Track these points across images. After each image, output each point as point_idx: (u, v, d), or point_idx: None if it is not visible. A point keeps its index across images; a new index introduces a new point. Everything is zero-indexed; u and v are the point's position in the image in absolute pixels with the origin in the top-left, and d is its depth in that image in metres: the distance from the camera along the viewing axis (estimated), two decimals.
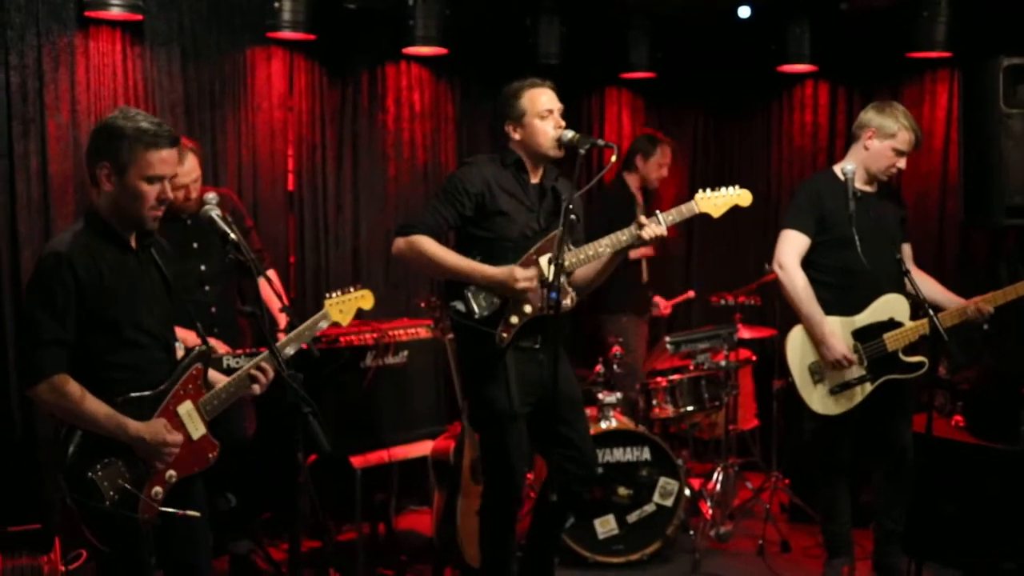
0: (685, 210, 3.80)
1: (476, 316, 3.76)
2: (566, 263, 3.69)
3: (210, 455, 3.07)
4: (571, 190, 3.66)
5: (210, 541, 3.23)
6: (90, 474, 2.81)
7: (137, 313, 2.93)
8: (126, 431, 2.84)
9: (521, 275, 3.69)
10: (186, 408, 3.01)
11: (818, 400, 4.33)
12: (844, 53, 6.30)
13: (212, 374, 3.14)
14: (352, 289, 3.56)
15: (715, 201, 3.83)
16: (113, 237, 2.93)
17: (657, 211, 3.75)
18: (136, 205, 2.89)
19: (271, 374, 3.11)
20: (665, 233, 3.70)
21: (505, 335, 3.75)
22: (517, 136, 3.85)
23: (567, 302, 3.75)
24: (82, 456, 2.83)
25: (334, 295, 3.52)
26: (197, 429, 3.03)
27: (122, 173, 2.86)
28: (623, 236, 3.72)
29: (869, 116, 4.37)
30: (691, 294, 6.36)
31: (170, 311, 3.09)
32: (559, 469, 3.81)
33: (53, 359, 2.81)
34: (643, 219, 3.71)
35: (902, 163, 4.34)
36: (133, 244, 2.98)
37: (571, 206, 3.55)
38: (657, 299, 6.23)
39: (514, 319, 3.75)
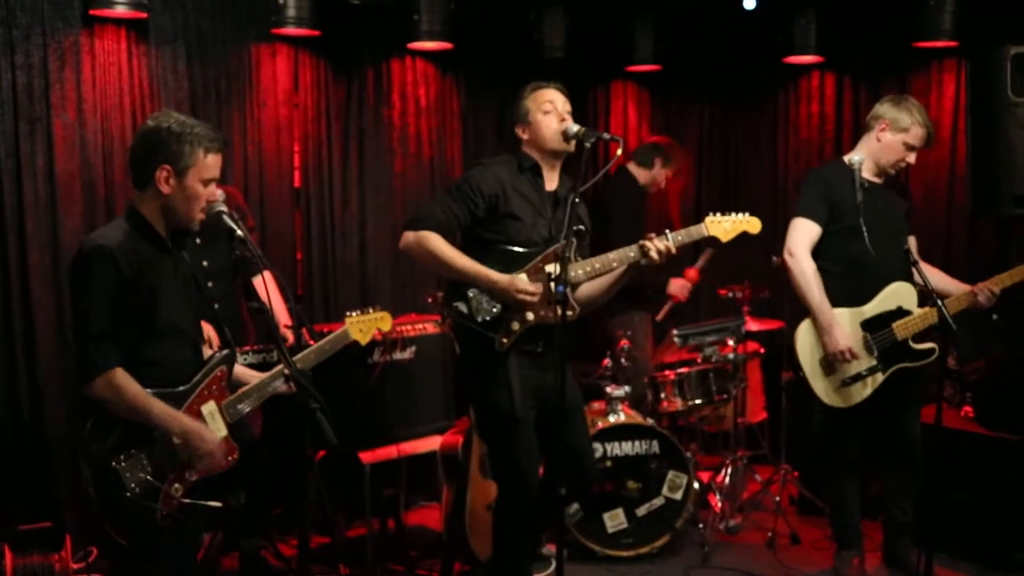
0: (695, 232, 3.78)
1: (478, 320, 3.73)
2: (571, 275, 3.62)
3: (229, 458, 3.11)
4: (578, 199, 3.55)
5: (202, 542, 3.29)
6: (114, 464, 2.86)
7: (168, 310, 2.99)
8: (180, 425, 2.91)
9: (524, 287, 3.66)
10: (209, 408, 3.08)
11: (829, 392, 4.32)
12: (850, 43, 6.27)
13: (238, 369, 3.25)
14: (371, 310, 3.88)
15: (724, 225, 3.86)
16: (152, 236, 2.99)
17: (667, 230, 3.71)
18: (188, 206, 2.98)
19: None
20: (674, 250, 3.66)
21: (505, 340, 3.70)
22: (526, 136, 3.84)
23: (568, 312, 3.66)
24: (107, 448, 2.87)
25: (354, 314, 3.74)
26: (219, 430, 3.09)
27: (181, 175, 2.94)
28: (631, 252, 3.68)
29: (884, 108, 4.37)
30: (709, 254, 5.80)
31: (198, 310, 3.16)
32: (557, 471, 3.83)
33: (104, 353, 2.86)
34: (652, 236, 3.67)
35: (912, 158, 4.36)
36: (169, 244, 3.06)
37: (578, 207, 3.51)
38: (676, 280, 5.79)
39: (515, 325, 3.71)
